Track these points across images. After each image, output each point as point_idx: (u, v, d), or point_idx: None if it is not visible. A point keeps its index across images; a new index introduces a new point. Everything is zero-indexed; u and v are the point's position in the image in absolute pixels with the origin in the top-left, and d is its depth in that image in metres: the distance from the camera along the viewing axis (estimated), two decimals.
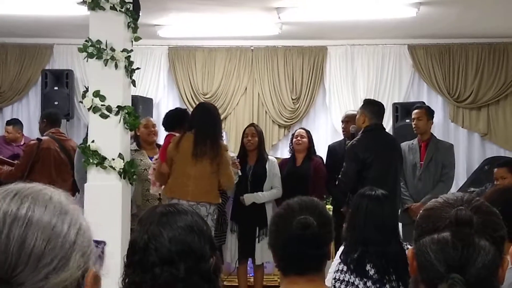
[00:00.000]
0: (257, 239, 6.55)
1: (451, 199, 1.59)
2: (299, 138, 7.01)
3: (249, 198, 6.60)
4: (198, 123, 6.03)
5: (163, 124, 6.78)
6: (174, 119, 6.67)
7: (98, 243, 1.13)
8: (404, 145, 6.83)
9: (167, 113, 6.99)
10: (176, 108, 7.40)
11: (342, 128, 7.34)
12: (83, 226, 1.09)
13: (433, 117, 7.01)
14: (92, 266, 1.08)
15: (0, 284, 0.98)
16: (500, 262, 1.52)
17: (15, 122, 8.51)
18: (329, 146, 7.41)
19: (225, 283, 6.83)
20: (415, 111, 6.95)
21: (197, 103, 9.23)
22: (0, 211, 1.02)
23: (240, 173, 6.47)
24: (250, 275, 6.96)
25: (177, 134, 6.24)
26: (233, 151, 7.97)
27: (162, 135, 7.15)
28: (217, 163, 5.91)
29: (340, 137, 7.76)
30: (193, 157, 5.88)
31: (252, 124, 7.14)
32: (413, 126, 6.91)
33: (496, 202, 3.21)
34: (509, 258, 1.92)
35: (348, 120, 7.07)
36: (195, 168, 5.89)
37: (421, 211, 1.63)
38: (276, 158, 7.43)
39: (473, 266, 1.45)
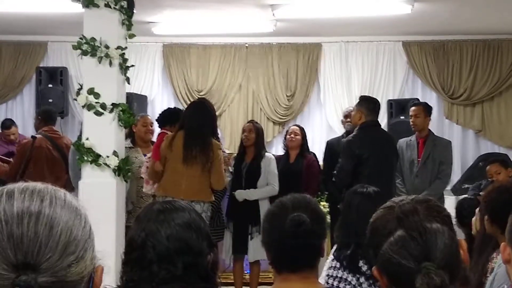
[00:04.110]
0: (249, 236, 6.54)
1: (386, 205, 1.65)
2: (292, 135, 6.99)
3: (241, 195, 6.59)
4: (188, 124, 6.00)
5: (157, 120, 6.81)
6: (167, 116, 6.71)
7: None
8: (402, 141, 6.81)
9: (163, 110, 7.04)
10: (174, 107, 7.45)
11: (347, 124, 7.06)
12: (91, 225, 1.15)
13: (430, 113, 6.95)
14: (98, 262, 1.15)
15: (27, 270, 1.02)
16: (457, 242, 1.56)
17: (11, 123, 8.36)
18: (327, 142, 7.36)
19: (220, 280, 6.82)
20: (413, 108, 6.91)
21: (192, 100, 9.27)
22: (23, 207, 1.06)
23: (231, 170, 6.44)
24: (246, 272, 6.96)
25: (169, 132, 6.24)
26: (227, 148, 7.97)
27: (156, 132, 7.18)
28: (210, 162, 5.91)
29: (335, 134, 7.73)
30: (184, 160, 5.88)
31: (251, 121, 7.13)
32: (411, 123, 6.86)
33: (496, 200, 3.24)
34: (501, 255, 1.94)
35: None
36: (187, 167, 5.89)
37: (367, 231, 1.66)
38: None
39: (436, 250, 1.49)
